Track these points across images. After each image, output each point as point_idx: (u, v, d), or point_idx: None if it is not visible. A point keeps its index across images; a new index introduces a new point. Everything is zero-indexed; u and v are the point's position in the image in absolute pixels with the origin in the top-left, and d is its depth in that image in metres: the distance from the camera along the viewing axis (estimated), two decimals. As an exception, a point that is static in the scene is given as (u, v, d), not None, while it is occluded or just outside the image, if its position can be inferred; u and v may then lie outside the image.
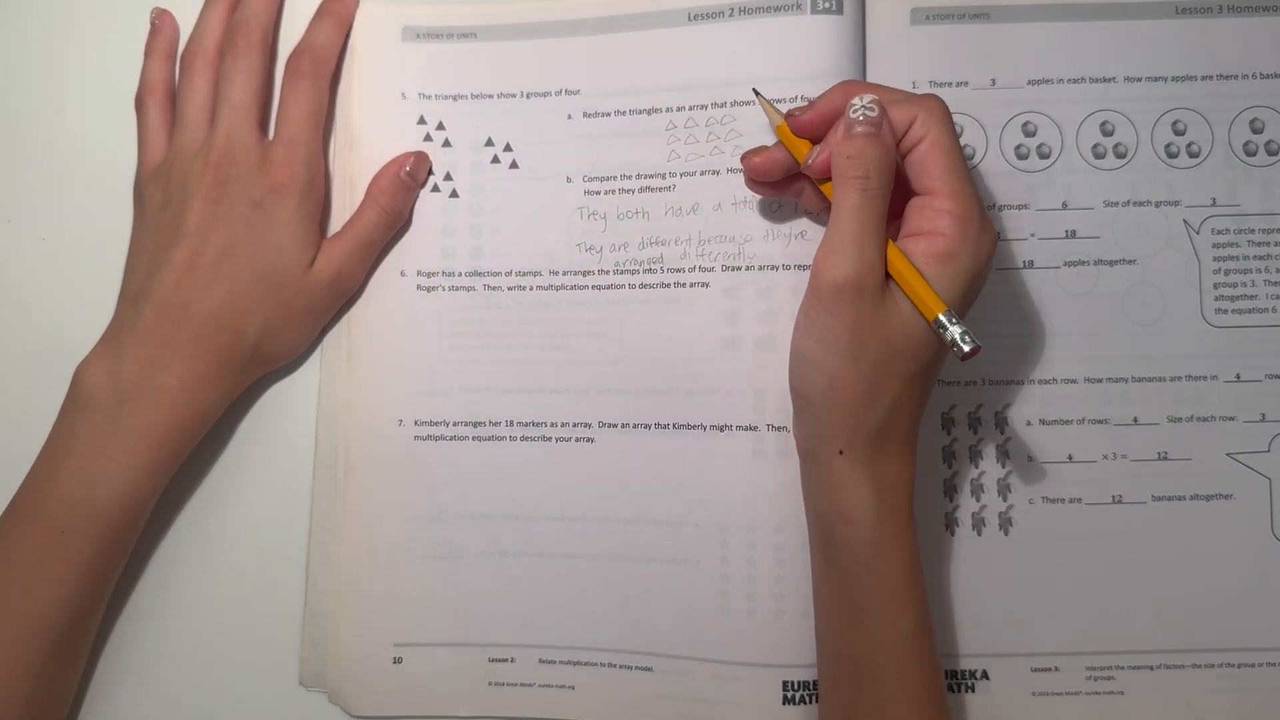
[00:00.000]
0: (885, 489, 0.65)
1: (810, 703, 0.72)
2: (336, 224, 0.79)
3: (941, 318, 0.61)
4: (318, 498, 0.77)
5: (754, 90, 0.74)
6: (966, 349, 0.61)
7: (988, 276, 0.65)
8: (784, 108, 0.72)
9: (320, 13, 0.80)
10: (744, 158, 0.71)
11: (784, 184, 0.72)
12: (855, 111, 0.64)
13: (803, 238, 0.74)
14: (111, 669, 0.77)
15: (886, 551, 0.65)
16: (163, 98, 0.79)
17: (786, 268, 0.74)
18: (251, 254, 0.73)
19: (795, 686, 0.73)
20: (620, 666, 0.75)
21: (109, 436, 0.71)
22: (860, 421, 0.64)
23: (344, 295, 0.78)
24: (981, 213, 0.63)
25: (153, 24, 0.81)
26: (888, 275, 0.64)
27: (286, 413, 0.78)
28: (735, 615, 0.74)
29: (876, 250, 0.63)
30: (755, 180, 0.72)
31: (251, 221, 0.74)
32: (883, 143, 0.64)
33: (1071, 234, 0.75)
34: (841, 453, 0.65)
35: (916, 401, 0.65)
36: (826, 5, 0.75)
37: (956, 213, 0.63)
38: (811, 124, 0.68)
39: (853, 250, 0.62)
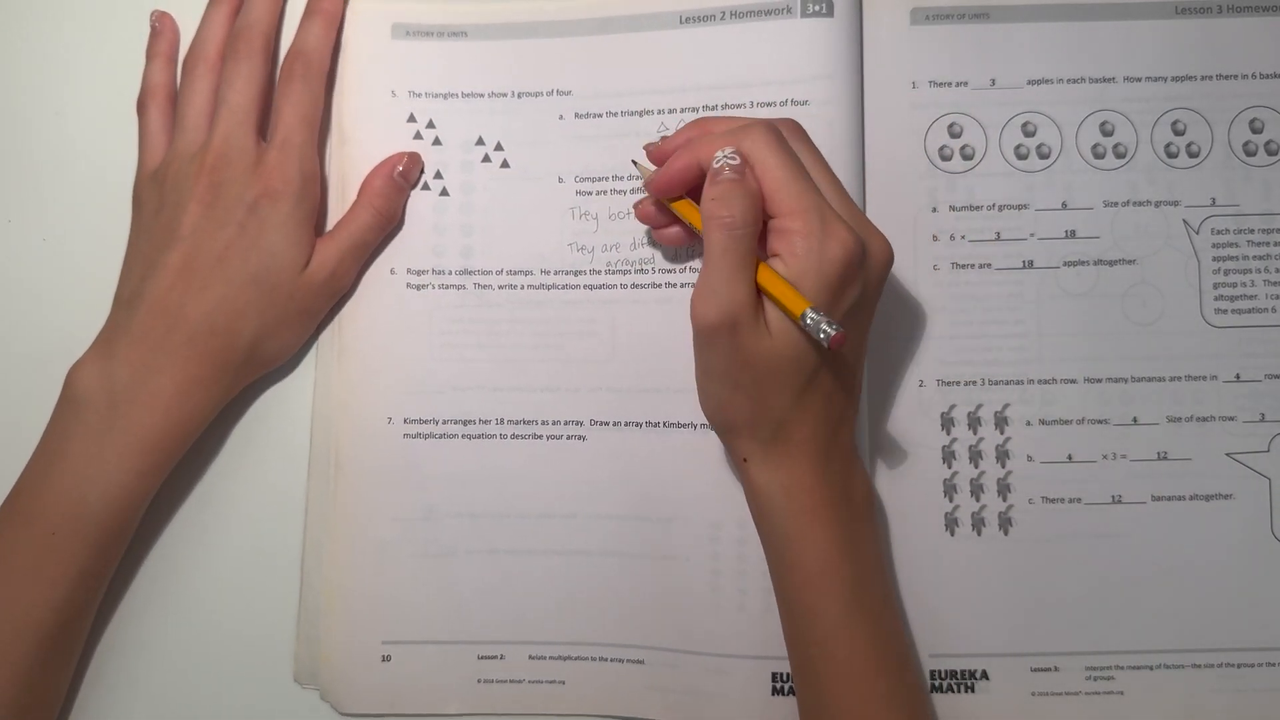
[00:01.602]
0: (793, 490, 0.67)
1: (801, 695, 0.72)
2: (328, 222, 0.78)
3: (807, 314, 0.62)
4: (312, 496, 0.77)
5: (633, 160, 0.75)
6: (832, 333, 0.61)
7: (871, 275, 0.66)
8: (779, 111, 0.74)
9: (309, 12, 0.79)
10: (635, 206, 0.74)
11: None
12: (718, 163, 0.66)
13: (792, 241, 0.74)
14: (108, 667, 0.76)
15: (800, 547, 0.67)
16: (164, 101, 0.79)
17: (777, 271, 0.74)
18: (245, 258, 0.73)
19: (784, 678, 0.73)
20: (611, 660, 0.75)
21: (101, 439, 0.71)
22: (755, 434, 0.67)
23: (337, 295, 0.77)
24: (826, 220, 0.64)
25: (153, 27, 0.81)
26: (763, 298, 0.65)
27: (282, 412, 0.78)
28: (726, 609, 0.74)
29: (745, 286, 0.64)
30: (645, 222, 0.74)
31: (245, 225, 0.73)
32: (746, 186, 0.65)
33: (1071, 234, 0.75)
34: (745, 460, 0.68)
35: (815, 410, 0.67)
36: (817, 8, 0.76)
37: (798, 229, 0.64)
38: (666, 182, 0.70)
39: (724, 292, 0.64)
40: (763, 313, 0.65)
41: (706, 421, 0.71)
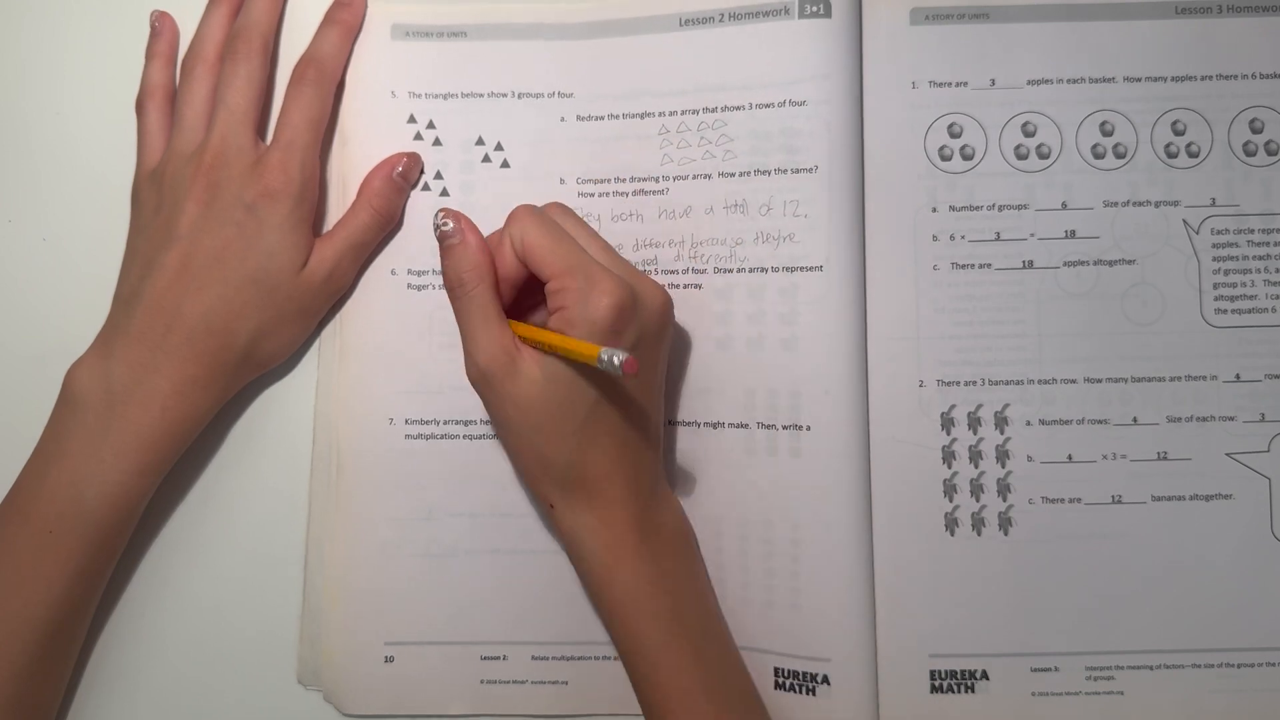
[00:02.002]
0: (597, 529, 0.69)
1: (800, 691, 0.72)
2: (327, 222, 0.78)
3: (600, 355, 0.62)
4: (314, 496, 0.77)
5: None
6: (622, 359, 0.62)
7: (646, 318, 0.68)
8: (777, 112, 0.75)
9: (327, 20, 0.79)
10: None
11: None
12: (435, 229, 0.69)
13: (791, 240, 0.74)
14: (109, 667, 0.76)
15: (610, 584, 0.69)
16: (163, 101, 0.79)
17: (775, 270, 0.74)
18: (243, 258, 0.73)
19: (786, 674, 0.73)
20: (614, 659, 0.74)
21: (99, 438, 0.71)
22: (549, 479, 0.69)
23: (335, 295, 0.78)
24: (590, 275, 0.66)
25: (153, 27, 0.81)
26: (539, 351, 0.67)
27: (283, 412, 0.78)
28: (729, 604, 0.74)
29: (489, 338, 0.68)
30: None
31: (243, 225, 0.73)
32: (463, 247, 0.69)
33: (1071, 234, 0.75)
34: (552, 507, 0.70)
35: (603, 451, 0.69)
36: (814, 9, 0.76)
37: (567, 286, 0.66)
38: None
39: (471, 350, 0.68)
40: (521, 362, 0.67)
41: (705, 420, 0.73)
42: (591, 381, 0.67)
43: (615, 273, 0.67)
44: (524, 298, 0.71)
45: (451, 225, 0.68)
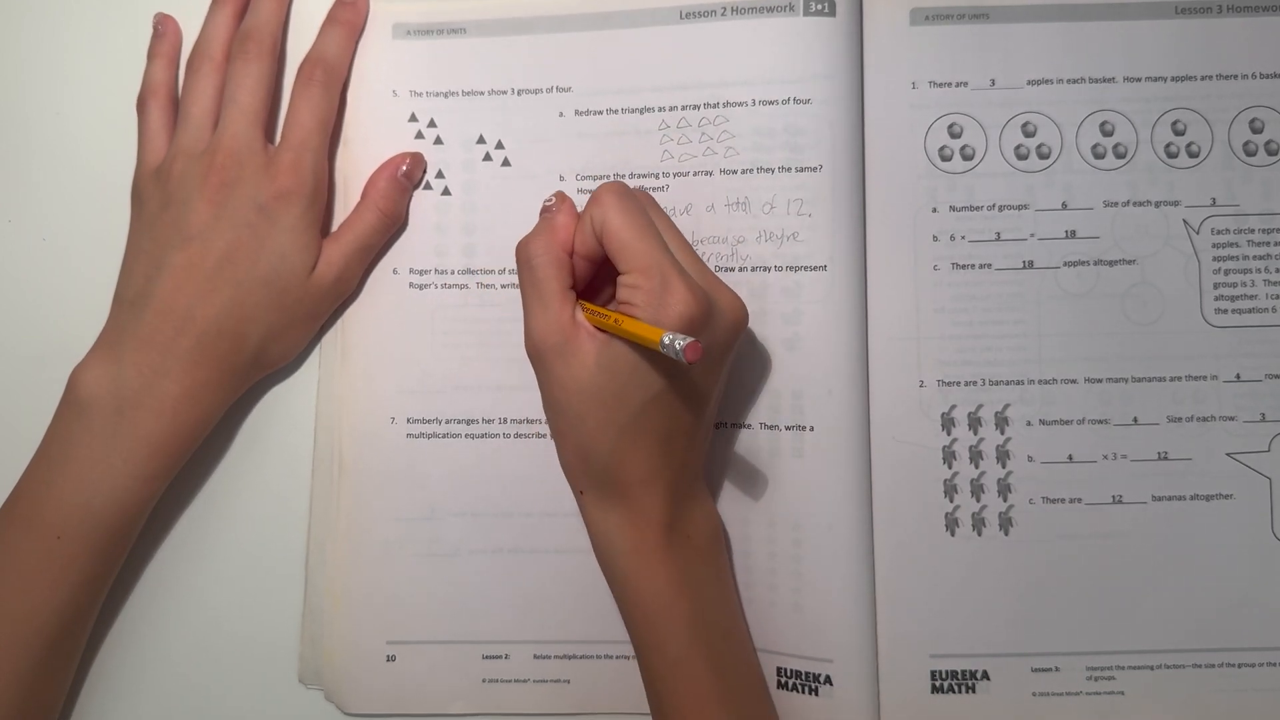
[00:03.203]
0: (627, 528, 0.68)
1: (803, 691, 0.72)
2: (331, 223, 0.78)
3: (663, 339, 0.62)
4: (316, 496, 0.77)
5: None
6: (684, 344, 0.61)
7: (718, 330, 0.67)
8: (781, 109, 0.75)
9: (331, 20, 0.79)
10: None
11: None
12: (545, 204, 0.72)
13: (794, 239, 0.74)
14: (111, 668, 0.76)
15: (636, 585, 0.68)
16: (165, 100, 0.79)
17: (779, 269, 0.74)
18: (254, 260, 0.73)
19: (789, 673, 0.73)
20: (617, 657, 0.75)
21: (108, 443, 0.71)
22: (588, 469, 0.69)
23: (342, 297, 0.78)
24: (667, 278, 0.65)
25: (155, 28, 0.80)
26: (602, 333, 0.67)
27: (285, 413, 0.78)
28: (732, 606, 0.74)
29: (550, 314, 0.67)
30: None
31: (255, 226, 0.73)
32: (548, 223, 0.70)
33: (1071, 234, 0.75)
34: (582, 493, 0.70)
35: (648, 450, 0.68)
36: (819, 7, 0.75)
37: (641, 285, 0.65)
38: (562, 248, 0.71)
39: (528, 322, 0.69)
40: (575, 343, 0.66)
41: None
42: (645, 380, 0.66)
43: (693, 279, 0.66)
44: (597, 277, 0.72)
45: (554, 201, 0.70)
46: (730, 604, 0.72)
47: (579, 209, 0.71)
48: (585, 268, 0.70)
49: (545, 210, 0.70)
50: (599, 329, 0.66)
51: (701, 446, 0.71)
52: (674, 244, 0.68)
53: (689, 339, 0.61)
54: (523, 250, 0.69)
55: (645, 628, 0.68)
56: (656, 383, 0.66)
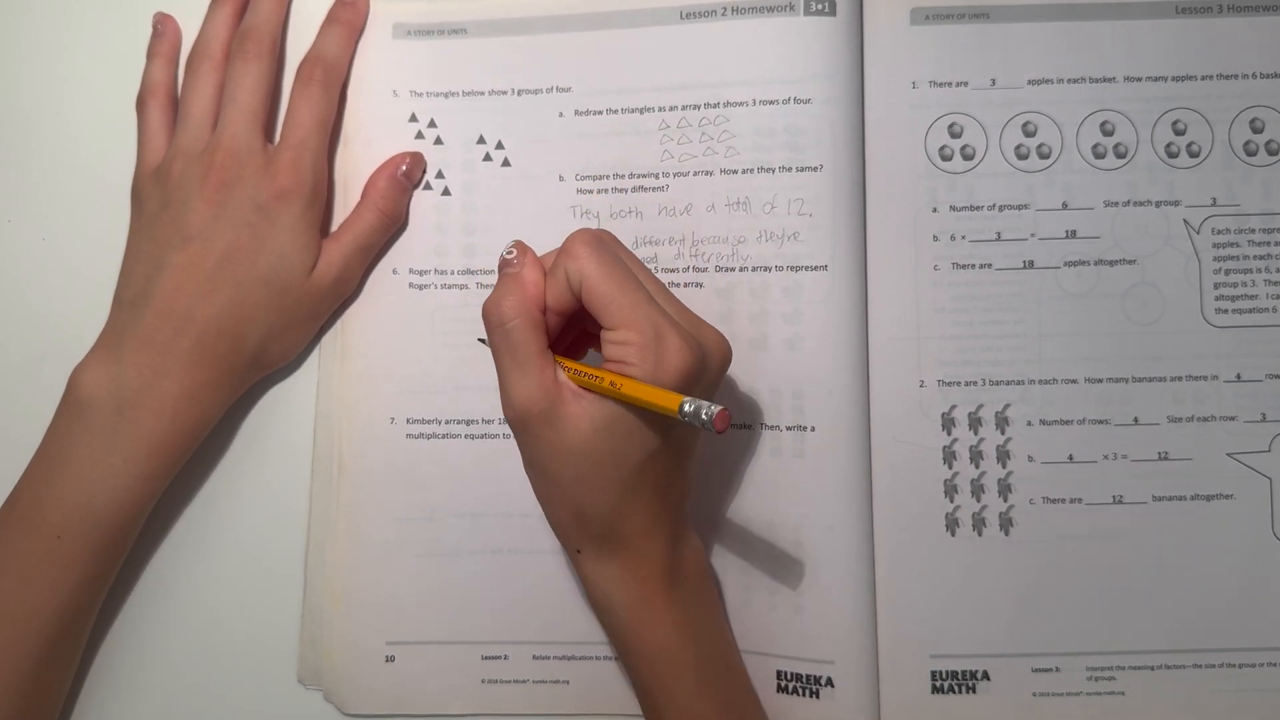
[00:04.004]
0: (628, 581, 0.66)
1: (804, 693, 0.72)
2: (331, 223, 0.79)
3: (683, 405, 0.60)
4: (315, 497, 0.77)
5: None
6: (715, 412, 0.59)
7: (710, 374, 0.65)
8: (782, 109, 0.75)
9: (331, 20, 0.79)
10: None
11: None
12: (502, 256, 0.66)
13: (795, 239, 0.74)
14: (111, 668, 0.76)
15: (640, 636, 0.67)
16: (165, 99, 0.79)
17: (779, 269, 0.74)
18: (254, 260, 0.73)
19: (789, 676, 0.73)
20: (616, 658, 0.75)
21: (108, 443, 0.71)
22: (585, 530, 0.66)
23: (342, 297, 0.78)
24: (660, 333, 0.62)
25: (155, 28, 0.81)
26: (589, 396, 0.63)
27: (285, 413, 0.78)
28: (731, 606, 0.74)
29: (530, 379, 0.63)
30: None
31: (255, 226, 0.73)
32: (514, 279, 0.64)
33: (1071, 234, 0.75)
34: (580, 552, 0.67)
35: (647, 504, 0.65)
36: (820, 7, 0.76)
37: (634, 342, 0.62)
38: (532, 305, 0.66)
39: (507, 388, 0.64)
40: (564, 406, 0.63)
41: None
42: (645, 438, 0.63)
43: (682, 327, 0.63)
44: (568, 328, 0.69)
45: (515, 254, 0.65)
46: (726, 637, 0.72)
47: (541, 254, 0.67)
48: (557, 322, 0.66)
49: (505, 264, 0.65)
50: (586, 389, 0.63)
51: (691, 485, 0.69)
52: (651, 288, 0.65)
53: (717, 407, 0.59)
54: (493, 312, 0.64)
55: (651, 676, 0.67)
56: (655, 439, 0.64)
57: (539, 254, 0.66)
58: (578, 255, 0.63)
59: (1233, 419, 0.74)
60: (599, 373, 0.63)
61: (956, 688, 0.73)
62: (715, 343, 0.66)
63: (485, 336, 0.66)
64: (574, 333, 0.68)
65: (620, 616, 0.67)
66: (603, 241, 0.65)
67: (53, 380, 0.72)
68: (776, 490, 0.74)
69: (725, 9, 0.77)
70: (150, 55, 0.80)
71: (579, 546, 0.67)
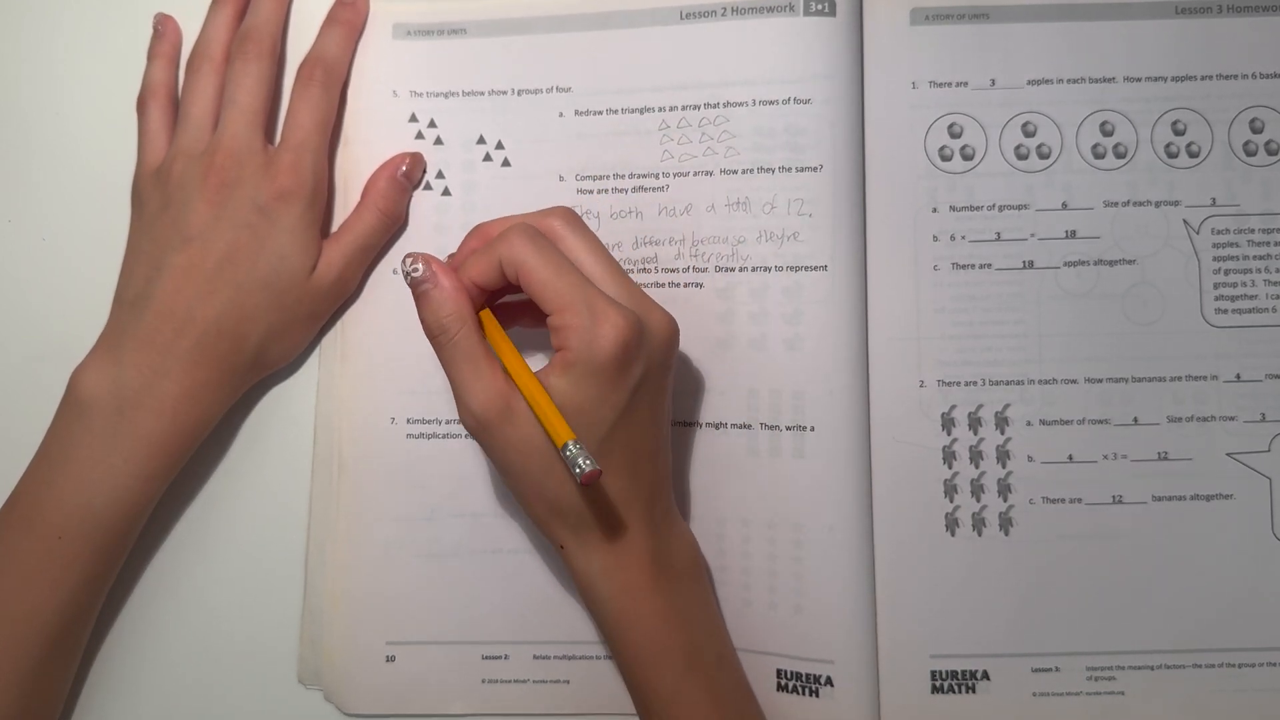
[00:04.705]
0: (612, 571, 0.67)
1: (803, 693, 0.72)
2: (331, 224, 0.79)
3: (567, 447, 0.61)
4: (315, 497, 0.77)
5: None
6: (586, 469, 0.61)
7: (653, 349, 0.66)
8: (782, 109, 0.75)
9: (331, 20, 0.79)
10: None
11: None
12: (405, 276, 0.66)
13: (795, 239, 0.74)
14: (112, 668, 0.76)
15: (627, 625, 0.67)
16: (165, 100, 0.79)
17: (779, 269, 0.74)
18: (254, 260, 0.73)
19: (789, 675, 0.73)
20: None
21: (108, 443, 0.71)
22: (562, 521, 0.67)
23: (343, 297, 0.78)
24: (594, 309, 0.63)
25: (155, 28, 0.81)
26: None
27: (285, 413, 0.78)
28: (731, 605, 0.74)
29: (482, 385, 0.65)
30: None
31: (255, 227, 0.73)
32: (437, 291, 0.66)
33: (1071, 234, 0.75)
34: (562, 547, 0.68)
35: (616, 488, 0.66)
36: (819, 7, 0.76)
37: (570, 324, 0.63)
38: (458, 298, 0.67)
39: (463, 399, 0.65)
40: (518, 403, 0.64)
41: (708, 421, 0.74)
42: (597, 420, 0.64)
43: (619, 304, 0.64)
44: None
45: (422, 269, 0.66)
46: (719, 629, 0.72)
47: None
48: (483, 299, 0.67)
49: (417, 280, 0.66)
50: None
51: (665, 469, 0.70)
52: (600, 265, 0.67)
53: (591, 462, 0.61)
54: (432, 322, 0.66)
55: (640, 666, 0.67)
56: (607, 419, 0.64)
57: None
58: (513, 243, 0.65)
59: (1232, 419, 0.74)
60: (523, 377, 0.65)
61: (956, 687, 0.73)
62: (659, 320, 0.67)
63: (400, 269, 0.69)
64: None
65: (608, 608, 0.67)
66: (537, 232, 0.66)
67: (53, 380, 0.72)
68: (776, 490, 0.73)
69: (725, 9, 0.77)
70: (151, 56, 0.80)
71: (561, 542, 0.68)
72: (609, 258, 0.68)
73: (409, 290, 0.65)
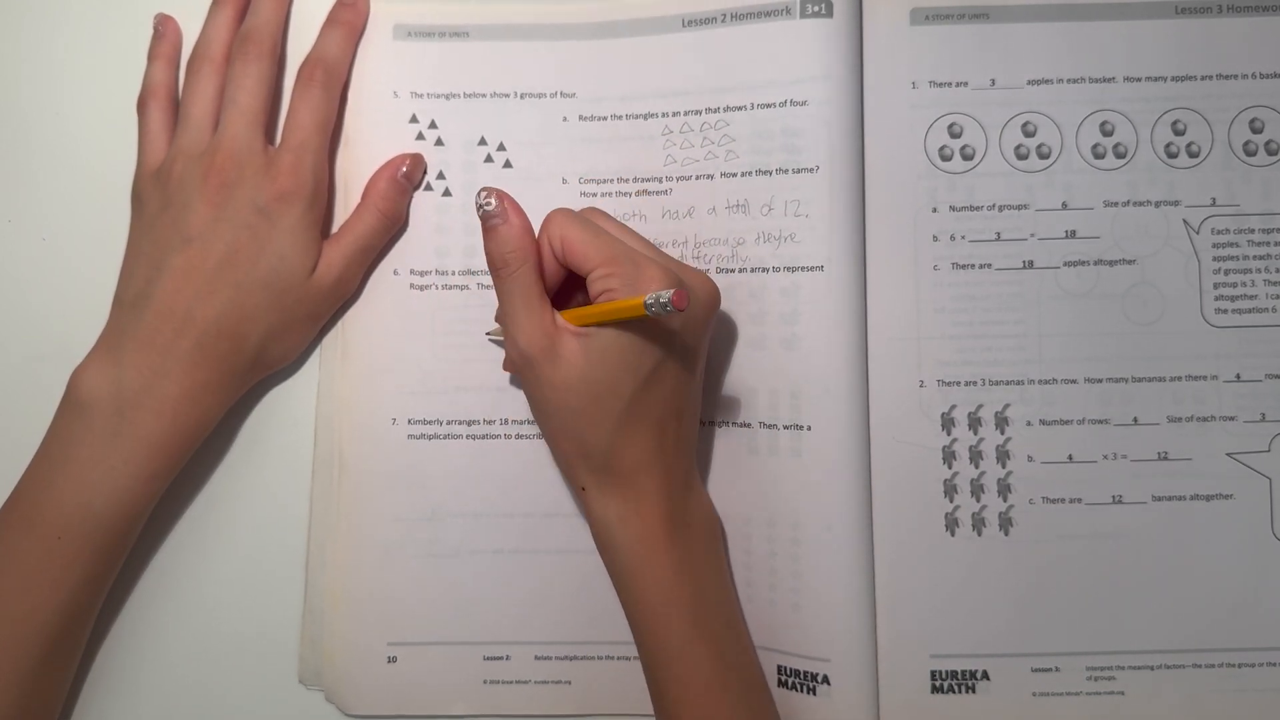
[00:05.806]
0: (629, 519, 0.69)
1: (801, 690, 0.73)
2: (332, 224, 0.78)
3: (645, 302, 0.62)
4: (316, 497, 0.77)
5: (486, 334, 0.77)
6: (670, 294, 0.61)
7: (693, 312, 0.68)
8: (778, 111, 0.75)
9: (331, 21, 0.79)
10: None
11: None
12: (478, 209, 0.68)
13: (792, 240, 0.74)
14: (112, 668, 0.76)
15: (639, 575, 0.69)
16: (166, 101, 0.79)
17: (777, 270, 0.74)
18: (254, 261, 0.73)
19: (789, 671, 0.73)
20: (618, 658, 0.75)
21: (108, 444, 0.71)
22: (587, 463, 0.69)
23: (343, 298, 0.78)
24: (637, 263, 0.66)
25: (156, 29, 0.80)
26: (583, 332, 0.67)
27: (286, 413, 0.78)
28: (732, 604, 0.74)
29: (533, 321, 0.67)
30: None
31: (255, 228, 0.73)
32: (506, 227, 0.68)
33: (1071, 234, 0.75)
34: (583, 490, 0.70)
35: (643, 438, 0.68)
36: (816, 9, 0.76)
37: (613, 273, 0.66)
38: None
39: (512, 330, 0.68)
40: (562, 345, 0.66)
41: (708, 419, 0.74)
42: (634, 364, 0.66)
43: (661, 262, 0.67)
44: (563, 297, 0.71)
45: (495, 204, 0.68)
46: (730, 596, 0.72)
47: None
48: (550, 284, 0.70)
49: (489, 214, 0.68)
50: (580, 326, 0.66)
51: (691, 435, 0.72)
52: (637, 240, 0.70)
53: (670, 290, 0.61)
54: (496, 255, 0.68)
55: (648, 617, 0.68)
56: (645, 367, 0.67)
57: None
58: (554, 220, 0.68)
59: (1232, 419, 0.74)
60: (581, 310, 0.67)
61: (956, 687, 0.73)
62: (699, 281, 0.69)
63: (491, 332, 0.73)
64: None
65: (620, 553, 0.69)
66: (577, 211, 0.70)
67: (53, 380, 0.72)
68: (776, 489, 0.74)
69: (725, 15, 0.77)
70: (151, 57, 0.80)
71: (583, 483, 0.69)
72: (642, 238, 0.70)
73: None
